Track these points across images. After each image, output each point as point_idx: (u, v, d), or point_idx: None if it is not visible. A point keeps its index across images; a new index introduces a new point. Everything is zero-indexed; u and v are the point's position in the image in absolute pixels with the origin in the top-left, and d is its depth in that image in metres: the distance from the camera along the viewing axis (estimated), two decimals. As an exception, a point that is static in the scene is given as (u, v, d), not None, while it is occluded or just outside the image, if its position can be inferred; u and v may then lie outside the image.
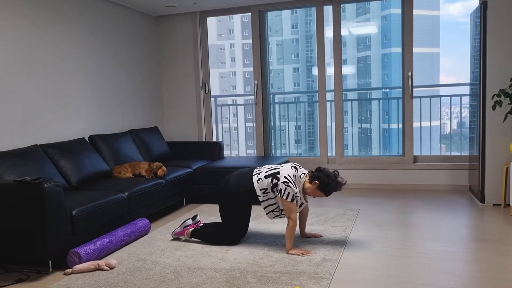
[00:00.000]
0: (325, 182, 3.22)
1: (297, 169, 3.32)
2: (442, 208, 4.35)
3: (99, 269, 3.01)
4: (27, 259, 3.14)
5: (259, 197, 3.30)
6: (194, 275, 2.88)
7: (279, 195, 3.18)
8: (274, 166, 3.36)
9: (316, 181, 3.24)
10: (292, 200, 3.17)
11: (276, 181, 3.21)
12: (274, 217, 3.39)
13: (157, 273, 2.94)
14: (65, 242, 3.07)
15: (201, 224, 3.71)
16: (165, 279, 2.82)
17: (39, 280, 2.93)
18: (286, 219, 3.46)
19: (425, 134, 5.78)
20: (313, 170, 3.34)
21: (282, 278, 2.75)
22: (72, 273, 2.98)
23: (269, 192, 3.25)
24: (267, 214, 3.37)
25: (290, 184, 3.17)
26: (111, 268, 3.03)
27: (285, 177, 3.20)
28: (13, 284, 2.88)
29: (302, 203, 3.30)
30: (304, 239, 3.50)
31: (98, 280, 2.86)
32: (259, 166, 3.48)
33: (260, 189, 3.28)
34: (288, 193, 3.16)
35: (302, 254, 3.16)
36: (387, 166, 5.40)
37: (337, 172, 3.33)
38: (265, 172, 3.29)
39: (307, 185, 3.28)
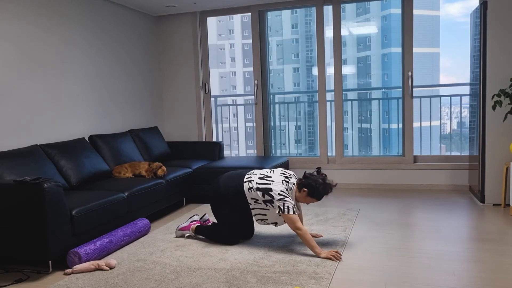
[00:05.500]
0: (313, 188, 3.23)
1: (288, 182, 3.29)
2: (442, 208, 4.34)
3: (99, 269, 3.01)
4: (27, 259, 3.14)
5: (250, 205, 3.31)
6: (194, 275, 2.88)
7: (280, 212, 3.17)
8: (265, 175, 3.32)
9: (305, 189, 3.25)
10: (293, 212, 3.16)
11: (270, 198, 3.19)
12: (262, 224, 3.40)
13: (157, 273, 2.94)
14: (65, 242, 3.07)
15: (209, 224, 3.71)
16: (165, 279, 2.82)
17: (39, 280, 2.93)
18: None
19: (425, 134, 5.78)
20: (301, 177, 3.34)
21: (282, 278, 2.75)
22: (72, 273, 2.98)
23: (261, 203, 3.26)
24: (256, 220, 3.39)
25: (286, 198, 3.18)
26: (111, 268, 3.03)
27: (279, 194, 3.18)
28: (13, 284, 2.88)
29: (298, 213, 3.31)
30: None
31: (98, 280, 2.86)
32: (250, 171, 3.45)
33: (251, 198, 3.28)
34: (288, 207, 3.15)
35: (334, 257, 3.05)
36: (387, 166, 5.40)
37: (325, 175, 3.33)
38: (257, 184, 3.27)
39: (297, 194, 3.29)
